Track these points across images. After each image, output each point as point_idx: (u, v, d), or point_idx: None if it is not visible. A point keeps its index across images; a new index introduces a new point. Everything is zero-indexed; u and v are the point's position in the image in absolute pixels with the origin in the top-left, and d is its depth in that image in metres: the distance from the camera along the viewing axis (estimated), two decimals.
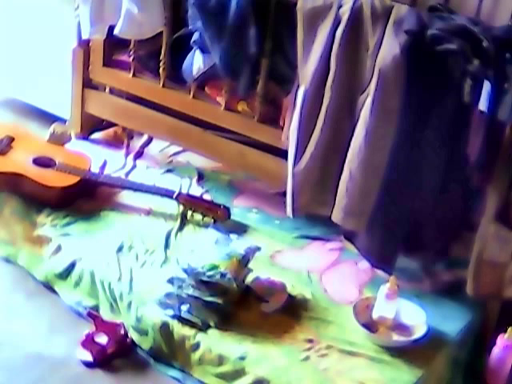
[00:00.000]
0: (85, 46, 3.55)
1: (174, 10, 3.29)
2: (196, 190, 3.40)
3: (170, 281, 2.78)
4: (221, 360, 2.65)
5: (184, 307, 2.74)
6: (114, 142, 3.70)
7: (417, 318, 2.80)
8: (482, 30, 2.58)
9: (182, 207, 3.22)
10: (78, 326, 2.82)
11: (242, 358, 2.63)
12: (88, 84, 3.63)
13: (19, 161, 3.26)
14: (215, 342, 2.68)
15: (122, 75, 3.51)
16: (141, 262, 2.98)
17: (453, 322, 2.85)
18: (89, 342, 2.74)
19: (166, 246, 3.07)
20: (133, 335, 2.80)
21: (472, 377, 2.88)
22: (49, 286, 3.00)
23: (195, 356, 2.68)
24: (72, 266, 2.97)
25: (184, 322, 2.73)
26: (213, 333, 2.71)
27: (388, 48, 2.66)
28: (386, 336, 2.76)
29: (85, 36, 3.38)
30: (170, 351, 2.74)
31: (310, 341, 2.71)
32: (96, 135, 3.73)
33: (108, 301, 2.88)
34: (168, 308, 2.75)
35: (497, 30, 2.62)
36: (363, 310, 2.82)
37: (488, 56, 2.54)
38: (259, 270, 2.92)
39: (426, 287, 3.01)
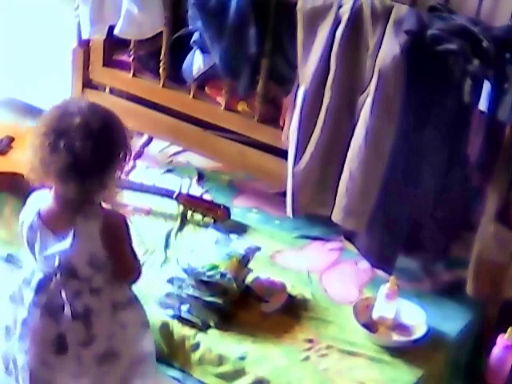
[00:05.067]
0: (85, 46, 3.55)
1: (173, 10, 3.29)
2: (196, 190, 3.39)
3: (170, 281, 2.78)
4: (221, 360, 2.65)
5: (184, 307, 2.74)
6: None
7: (417, 317, 2.80)
8: (482, 30, 2.58)
9: (181, 207, 3.22)
10: None
11: (242, 358, 2.63)
12: (88, 84, 3.63)
13: (19, 161, 3.24)
14: (215, 342, 2.68)
15: (122, 75, 3.51)
16: (141, 262, 2.97)
17: (453, 322, 2.85)
18: None
19: (166, 245, 3.07)
20: None
21: (472, 377, 2.88)
22: None
23: (195, 356, 2.68)
24: None
25: (184, 321, 2.73)
26: (213, 333, 2.71)
27: (388, 48, 2.66)
28: (386, 336, 2.76)
29: (85, 36, 3.38)
30: (170, 351, 2.73)
31: (310, 341, 2.71)
32: None
33: None
34: (168, 308, 2.75)
35: (497, 29, 2.62)
36: (363, 309, 2.82)
37: (488, 56, 2.54)
38: (259, 270, 2.92)
39: (426, 287, 3.01)
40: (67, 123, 2.05)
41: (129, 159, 2.14)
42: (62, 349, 2.21)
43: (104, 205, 2.19)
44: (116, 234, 2.16)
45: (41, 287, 2.19)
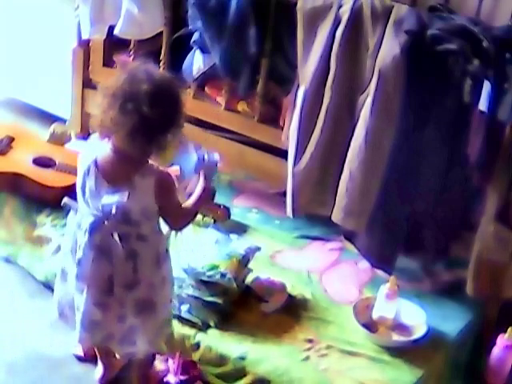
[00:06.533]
0: (85, 46, 3.55)
1: (173, 10, 3.29)
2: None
3: None
4: (221, 360, 2.65)
5: (184, 307, 2.74)
6: None
7: (417, 317, 2.80)
8: (482, 30, 2.58)
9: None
10: None
11: (242, 358, 2.63)
12: (88, 84, 3.63)
13: (19, 161, 3.26)
14: (215, 342, 2.68)
15: None
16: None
17: (453, 321, 2.85)
18: None
19: None
20: None
21: (472, 377, 2.88)
22: (49, 286, 3.00)
23: (195, 356, 2.68)
24: None
25: (184, 321, 2.73)
26: (213, 333, 2.71)
27: (388, 48, 2.66)
28: (386, 336, 2.76)
29: (85, 36, 3.38)
30: (170, 351, 2.73)
31: (310, 341, 2.71)
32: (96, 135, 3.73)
33: None
34: None
35: (497, 29, 2.62)
36: (363, 309, 2.82)
37: (488, 56, 2.55)
38: (259, 270, 2.92)
39: (426, 287, 3.01)
40: (136, 88, 2.24)
41: (182, 125, 2.35)
42: (110, 289, 2.40)
43: (155, 164, 2.38)
44: (167, 191, 2.37)
45: (93, 229, 2.37)
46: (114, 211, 2.32)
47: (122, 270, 2.38)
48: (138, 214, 2.34)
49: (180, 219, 2.47)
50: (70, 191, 3.18)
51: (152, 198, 2.32)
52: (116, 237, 2.35)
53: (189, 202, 2.46)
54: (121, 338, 2.47)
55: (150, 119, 2.23)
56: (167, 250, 2.49)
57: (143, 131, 2.25)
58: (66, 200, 2.50)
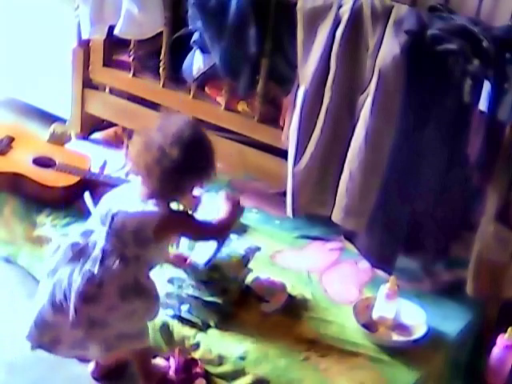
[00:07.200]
0: (85, 46, 3.55)
1: (173, 10, 3.30)
2: (196, 190, 3.38)
3: (170, 281, 2.79)
4: (221, 360, 2.65)
5: (184, 307, 2.74)
6: (114, 142, 3.70)
7: (417, 317, 2.80)
8: (482, 30, 2.58)
9: (182, 207, 3.21)
10: None
11: (242, 358, 2.63)
12: (88, 84, 3.64)
13: (19, 161, 3.26)
14: (215, 342, 2.68)
15: (122, 75, 3.52)
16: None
17: (453, 322, 2.85)
18: None
19: None
20: None
21: (472, 377, 2.88)
22: None
23: (195, 356, 2.68)
24: None
25: (184, 321, 2.73)
26: (213, 333, 2.71)
27: (388, 48, 2.66)
28: (385, 336, 2.76)
29: (85, 36, 3.38)
30: (169, 351, 2.73)
31: (310, 341, 2.71)
32: (96, 135, 3.73)
33: None
34: (168, 308, 2.75)
35: (497, 29, 2.62)
36: (363, 309, 2.82)
37: (488, 56, 2.55)
38: (259, 270, 2.92)
39: (426, 287, 3.01)
40: (166, 130, 2.39)
41: (208, 180, 2.50)
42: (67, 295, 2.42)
43: (172, 206, 2.51)
44: (173, 228, 2.50)
45: (85, 233, 2.47)
46: (111, 212, 2.40)
47: (86, 278, 2.39)
48: (130, 236, 2.40)
49: (209, 235, 2.63)
50: (70, 191, 3.21)
51: (149, 230, 2.39)
52: (99, 241, 2.40)
53: (221, 217, 2.58)
54: (72, 343, 2.49)
55: (169, 159, 2.34)
56: (154, 295, 2.51)
57: (160, 168, 2.36)
58: (87, 195, 2.68)
